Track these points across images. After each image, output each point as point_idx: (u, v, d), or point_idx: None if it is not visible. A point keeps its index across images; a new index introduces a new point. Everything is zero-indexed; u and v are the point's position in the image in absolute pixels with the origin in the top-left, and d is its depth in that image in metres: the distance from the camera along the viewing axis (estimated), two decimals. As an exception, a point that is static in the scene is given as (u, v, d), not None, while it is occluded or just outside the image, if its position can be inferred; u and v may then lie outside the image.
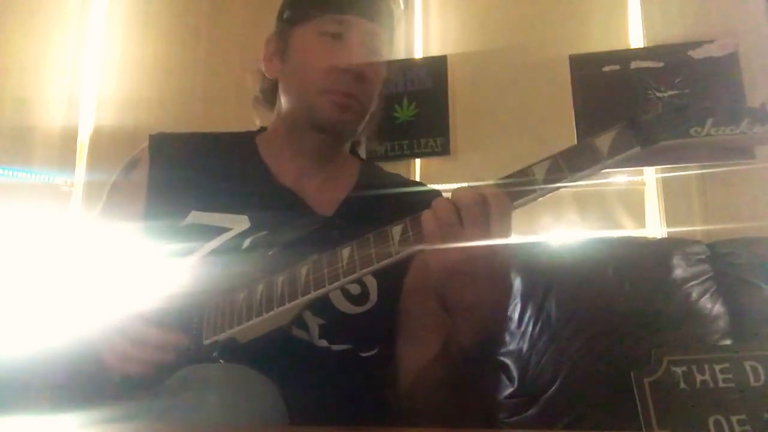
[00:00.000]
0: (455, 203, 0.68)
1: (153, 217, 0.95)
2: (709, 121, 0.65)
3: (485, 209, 0.67)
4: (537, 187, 0.69)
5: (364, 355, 0.94)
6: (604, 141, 0.69)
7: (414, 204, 0.80)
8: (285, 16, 1.03)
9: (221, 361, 0.76)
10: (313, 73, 0.96)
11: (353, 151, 1.13)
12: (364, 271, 0.72)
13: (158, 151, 1.02)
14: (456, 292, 0.70)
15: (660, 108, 0.69)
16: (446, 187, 1.13)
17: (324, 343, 0.89)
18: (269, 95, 1.08)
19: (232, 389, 0.65)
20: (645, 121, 0.68)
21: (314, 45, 0.97)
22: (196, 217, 0.93)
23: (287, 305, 0.75)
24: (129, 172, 1.02)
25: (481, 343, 0.73)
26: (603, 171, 0.69)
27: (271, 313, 0.75)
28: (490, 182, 0.71)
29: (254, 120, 1.13)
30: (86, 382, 0.79)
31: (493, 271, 0.69)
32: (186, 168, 0.99)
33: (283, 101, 1.03)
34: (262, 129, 1.10)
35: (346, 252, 0.74)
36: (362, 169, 1.10)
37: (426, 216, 0.70)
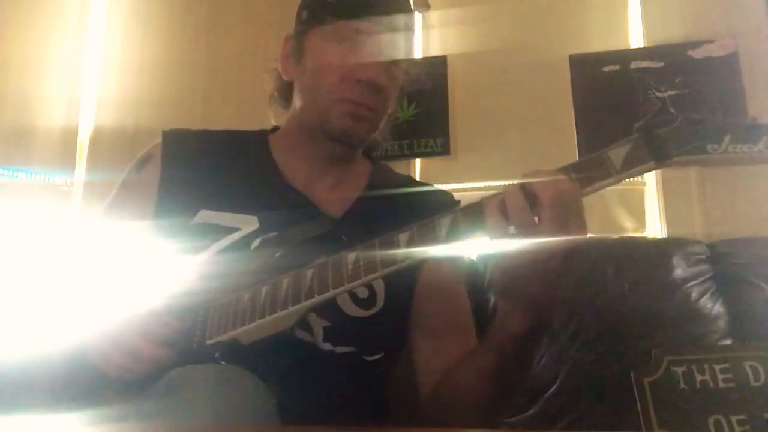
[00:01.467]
0: (531, 192, 0.66)
1: (163, 214, 0.94)
2: (727, 138, 0.63)
3: (563, 201, 0.65)
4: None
5: (368, 359, 0.93)
6: (617, 154, 0.66)
7: (424, 206, 0.79)
8: (303, 17, 0.99)
9: (222, 362, 0.76)
10: (328, 80, 0.93)
11: (366, 152, 1.10)
12: (369, 277, 0.72)
13: (171, 148, 1.00)
14: (521, 286, 0.69)
15: (677, 122, 0.68)
16: (446, 187, 1.12)
17: (328, 345, 0.89)
18: (285, 94, 1.04)
19: (220, 391, 0.64)
20: (661, 136, 0.66)
21: (329, 51, 0.94)
22: (205, 216, 0.92)
23: (290, 308, 0.75)
24: (141, 168, 1.01)
25: (533, 329, 0.72)
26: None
27: (274, 315, 0.75)
28: (490, 183, 0.71)
29: (260, 119, 1.12)
30: (84, 383, 0.79)
31: (567, 265, 0.67)
32: (198, 166, 0.98)
33: (298, 104, 1.00)
34: (275, 128, 1.08)
35: (351, 257, 0.73)
36: (374, 170, 1.07)
37: (492, 207, 0.67)
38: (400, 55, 0.97)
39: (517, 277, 0.68)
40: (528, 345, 0.75)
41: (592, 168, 0.67)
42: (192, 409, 0.62)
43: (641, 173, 0.66)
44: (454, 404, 0.87)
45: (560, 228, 0.64)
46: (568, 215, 0.64)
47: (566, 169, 0.67)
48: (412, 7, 1.00)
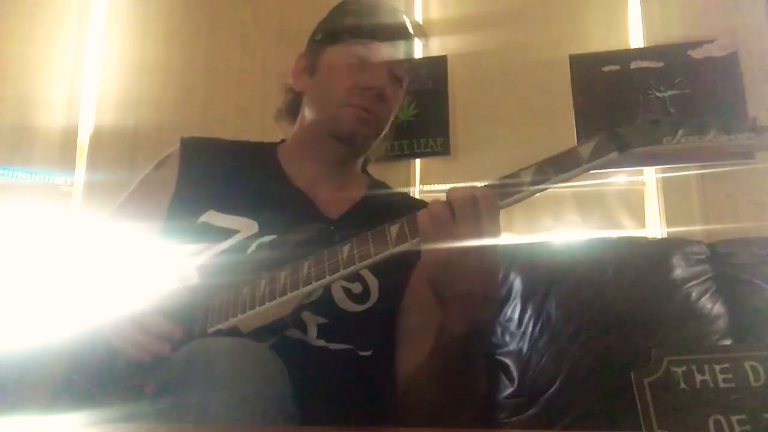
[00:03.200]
0: (449, 202, 0.74)
1: (175, 212, 1.01)
2: (680, 132, 0.74)
3: (476, 208, 0.73)
4: (525, 189, 0.76)
5: (362, 354, 0.95)
6: (585, 148, 0.76)
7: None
8: (318, 37, 1.14)
9: None
10: (339, 88, 1.06)
11: (364, 170, 1.22)
12: (363, 263, 0.77)
13: (188, 152, 1.09)
14: (448, 283, 0.74)
15: (637, 121, 0.76)
16: (446, 188, 1.14)
17: (322, 342, 0.91)
18: (293, 108, 1.17)
19: (238, 359, 0.67)
20: (622, 131, 0.76)
21: (342, 64, 1.07)
22: (209, 216, 0.98)
23: (288, 295, 0.78)
24: (158, 168, 1.09)
25: (471, 332, 0.77)
26: (586, 172, 0.76)
27: (273, 302, 0.78)
28: (481, 184, 0.77)
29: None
30: (92, 369, 0.81)
31: (484, 263, 0.73)
32: (211, 170, 1.06)
33: (307, 112, 1.12)
34: (283, 141, 1.19)
35: (346, 248, 0.78)
36: (371, 184, 1.19)
37: (422, 213, 0.75)
38: (405, 75, 1.12)
39: (441, 278, 0.75)
40: (468, 345, 0.79)
41: (564, 161, 0.76)
42: (213, 378, 0.65)
43: (606, 163, 0.76)
44: (417, 404, 0.91)
45: (473, 230, 0.72)
46: (481, 219, 0.72)
47: (540, 164, 0.77)
48: (412, 33, 1.13)
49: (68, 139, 2.46)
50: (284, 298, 0.78)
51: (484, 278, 0.74)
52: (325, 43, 1.11)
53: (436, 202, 0.75)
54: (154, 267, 0.87)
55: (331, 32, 1.12)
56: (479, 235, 0.72)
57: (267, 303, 0.79)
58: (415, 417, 0.92)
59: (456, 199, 0.74)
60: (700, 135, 0.73)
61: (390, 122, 1.13)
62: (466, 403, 0.87)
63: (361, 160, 1.19)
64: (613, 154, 0.75)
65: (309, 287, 0.78)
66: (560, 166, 0.76)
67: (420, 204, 1.16)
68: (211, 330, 0.81)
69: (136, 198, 1.08)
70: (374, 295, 0.97)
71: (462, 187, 0.75)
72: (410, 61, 1.13)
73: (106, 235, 1.01)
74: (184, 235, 0.95)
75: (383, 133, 1.12)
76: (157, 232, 0.99)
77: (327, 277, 0.78)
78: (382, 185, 1.23)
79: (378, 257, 0.76)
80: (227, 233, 0.95)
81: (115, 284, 0.86)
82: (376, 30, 1.08)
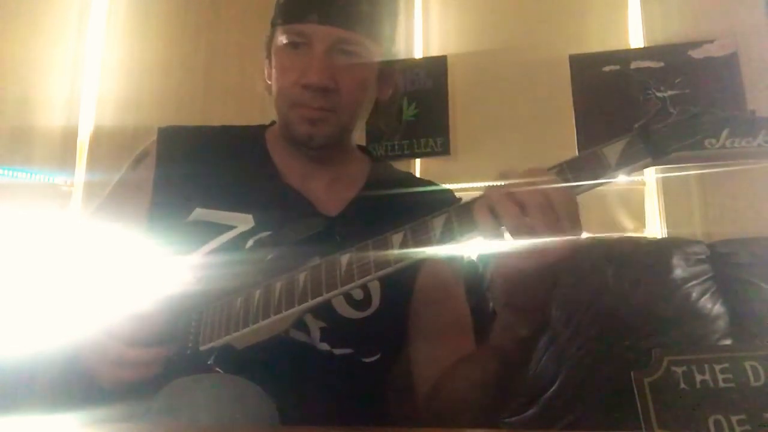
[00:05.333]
0: (515, 193, 0.64)
1: (158, 213, 0.93)
2: (725, 132, 0.62)
3: (549, 201, 0.63)
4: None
5: (365, 360, 0.92)
6: (612, 151, 0.65)
7: (423, 205, 0.78)
8: (272, 18, 0.98)
9: (216, 368, 0.75)
10: (283, 85, 0.92)
11: (367, 150, 1.10)
12: (362, 280, 0.71)
13: (166, 145, 0.99)
14: (517, 292, 0.69)
15: (672, 116, 0.65)
16: (447, 187, 1.12)
17: (326, 346, 0.88)
18: None
19: (221, 402, 0.63)
20: (657, 132, 0.64)
21: (281, 56, 0.93)
22: (199, 214, 0.91)
23: (284, 313, 0.74)
24: (136, 167, 1.00)
25: (534, 332, 0.73)
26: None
27: (267, 320, 0.74)
28: (493, 183, 0.69)
29: (261, 119, 1.10)
30: (80, 386, 0.79)
31: (556, 270, 0.66)
32: (193, 164, 0.97)
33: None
34: (273, 122, 1.06)
35: (344, 259, 0.72)
36: (373, 168, 1.06)
37: (479, 208, 0.66)
38: (362, 51, 0.92)
39: (520, 284, 0.67)
40: (530, 346, 0.76)
41: (587, 165, 0.65)
42: (192, 422, 0.61)
43: (637, 170, 0.65)
44: (451, 405, 0.86)
45: (554, 231, 0.62)
46: (561, 218, 0.63)
47: (561, 168, 0.66)
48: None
49: (68, 139, 2.45)
50: (278, 316, 0.74)
51: (553, 283, 0.68)
52: (273, 26, 0.96)
53: (501, 197, 0.64)
54: (140, 276, 0.81)
55: (275, 13, 0.95)
56: (560, 232, 0.62)
57: (261, 321, 0.74)
58: (445, 418, 0.87)
59: (522, 193, 0.63)
60: (750, 137, 0.61)
61: (361, 100, 0.95)
62: (514, 395, 0.84)
63: (353, 142, 1.03)
64: (647, 161, 0.64)
65: (304, 305, 0.73)
66: (583, 171, 0.65)
67: (425, 188, 1.07)
68: (203, 348, 0.77)
69: (112, 202, 1.01)
70: (376, 300, 0.91)
71: (526, 180, 0.64)
72: (370, 32, 0.92)
73: (85, 247, 0.93)
74: (172, 236, 0.89)
75: (355, 117, 0.95)
76: (140, 236, 0.91)
77: (324, 294, 0.72)
78: (384, 166, 1.10)
79: (378, 274, 0.69)
80: (221, 229, 0.89)
81: (94, 301, 0.80)
82: (311, 10, 0.89)
